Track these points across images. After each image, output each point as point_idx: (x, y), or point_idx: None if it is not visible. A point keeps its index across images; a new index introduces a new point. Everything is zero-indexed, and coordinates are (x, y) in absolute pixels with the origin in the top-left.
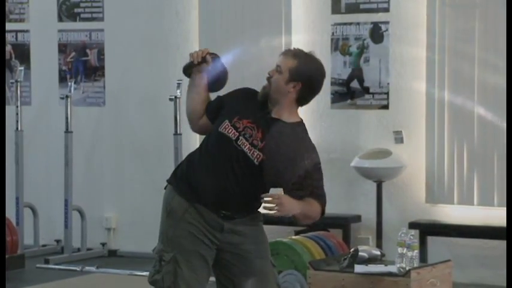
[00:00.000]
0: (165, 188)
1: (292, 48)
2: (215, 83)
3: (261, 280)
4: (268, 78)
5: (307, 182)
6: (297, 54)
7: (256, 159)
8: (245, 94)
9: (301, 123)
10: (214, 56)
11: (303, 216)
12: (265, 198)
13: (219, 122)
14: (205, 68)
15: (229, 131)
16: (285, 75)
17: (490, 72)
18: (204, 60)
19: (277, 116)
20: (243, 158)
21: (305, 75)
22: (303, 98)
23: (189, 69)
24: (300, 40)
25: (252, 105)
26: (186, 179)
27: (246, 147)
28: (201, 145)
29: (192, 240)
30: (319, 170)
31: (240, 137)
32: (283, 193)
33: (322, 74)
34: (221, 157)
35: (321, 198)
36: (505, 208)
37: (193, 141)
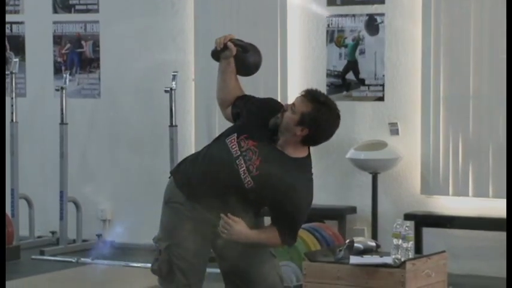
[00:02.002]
0: (169, 178)
1: (314, 90)
2: (243, 69)
3: (257, 269)
4: (282, 112)
5: (283, 220)
6: (315, 99)
7: (247, 184)
8: (266, 110)
9: (304, 160)
10: (239, 42)
11: (255, 244)
12: (222, 219)
13: (229, 132)
14: (229, 55)
15: (233, 147)
16: (296, 117)
17: (486, 63)
18: (225, 47)
19: (282, 148)
20: (236, 177)
21: (315, 124)
22: (308, 142)
23: (214, 55)
24: (296, 32)
25: (265, 127)
26: (186, 175)
27: (242, 169)
28: (209, 145)
29: (187, 231)
30: (300, 216)
31: (240, 157)
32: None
33: (333, 126)
34: (219, 167)
35: (287, 240)
36: (500, 199)
37: (188, 133)
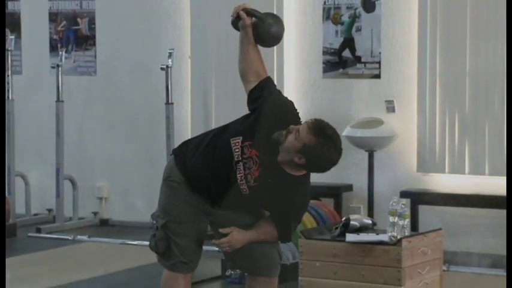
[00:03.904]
0: (170, 155)
1: (322, 122)
2: (261, 40)
3: (257, 246)
4: (287, 133)
5: (278, 221)
6: (321, 133)
7: (242, 190)
8: (278, 117)
9: (302, 177)
10: (254, 12)
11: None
12: (216, 243)
13: (235, 131)
14: (243, 25)
15: (236, 150)
16: (297, 145)
17: (483, 41)
18: (238, 16)
19: (281, 163)
20: (232, 179)
21: (313, 157)
22: (303, 169)
23: (233, 25)
24: (292, 9)
25: (270, 135)
26: (186, 162)
27: (240, 174)
28: (213, 135)
29: (184, 209)
30: (295, 222)
31: (241, 163)
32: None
33: (331, 163)
34: (218, 165)
35: (282, 238)
36: (496, 177)
37: (184, 110)
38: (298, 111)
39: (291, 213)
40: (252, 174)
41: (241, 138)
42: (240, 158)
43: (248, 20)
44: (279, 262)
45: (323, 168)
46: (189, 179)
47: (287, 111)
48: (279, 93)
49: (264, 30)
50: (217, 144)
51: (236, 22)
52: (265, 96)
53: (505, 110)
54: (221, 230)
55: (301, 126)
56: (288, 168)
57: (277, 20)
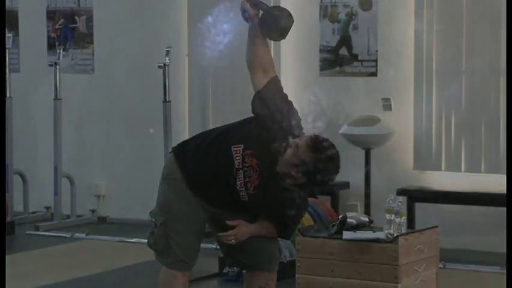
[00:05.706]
0: (169, 153)
1: (322, 139)
2: (266, 33)
3: (256, 241)
4: (286, 146)
5: (277, 223)
6: (318, 152)
7: (241, 197)
8: (282, 127)
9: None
10: (259, 4)
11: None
12: (221, 237)
13: (237, 137)
14: (247, 16)
15: (237, 158)
16: (295, 161)
17: (479, 39)
18: (244, 8)
19: (280, 173)
20: (232, 185)
21: (310, 175)
22: (301, 182)
23: (244, 18)
24: (289, 6)
25: (272, 142)
26: (186, 161)
27: (240, 181)
28: (215, 137)
29: (184, 207)
30: (294, 224)
31: (241, 171)
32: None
33: (329, 181)
34: (218, 170)
35: (282, 235)
36: (492, 174)
37: (182, 108)
38: (301, 118)
39: (289, 217)
40: (251, 182)
41: (242, 146)
42: (241, 166)
43: (252, 11)
44: (278, 258)
45: (320, 184)
46: (189, 178)
47: (290, 120)
48: (285, 99)
49: (269, 23)
50: (218, 148)
51: (243, 14)
52: (269, 103)
53: (501, 107)
54: (228, 222)
55: (301, 142)
56: (286, 178)
57: (284, 13)
